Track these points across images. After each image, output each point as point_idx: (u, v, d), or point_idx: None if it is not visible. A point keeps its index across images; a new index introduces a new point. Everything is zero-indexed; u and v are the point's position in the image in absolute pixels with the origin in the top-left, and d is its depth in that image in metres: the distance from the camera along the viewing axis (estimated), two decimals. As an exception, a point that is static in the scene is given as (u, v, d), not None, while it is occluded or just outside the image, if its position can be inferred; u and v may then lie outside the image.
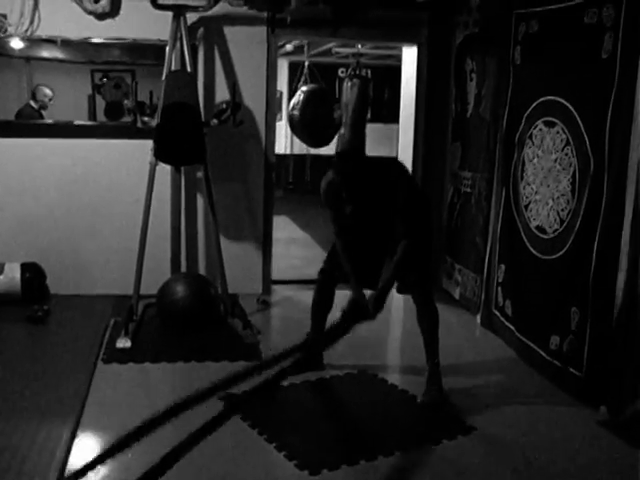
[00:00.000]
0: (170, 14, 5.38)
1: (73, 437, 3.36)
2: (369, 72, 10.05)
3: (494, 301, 5.12)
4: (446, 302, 5.92)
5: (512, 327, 4.78)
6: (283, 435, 3.48)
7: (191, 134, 5.19)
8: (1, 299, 5.31)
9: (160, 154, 5.20)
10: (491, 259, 5.18)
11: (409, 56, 6.39)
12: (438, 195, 6.28)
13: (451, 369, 4.30)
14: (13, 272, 5.39)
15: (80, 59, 10.62)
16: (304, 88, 8.12)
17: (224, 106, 5.31)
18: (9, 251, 5.61)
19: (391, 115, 11.83)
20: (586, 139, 3.95)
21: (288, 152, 13.44)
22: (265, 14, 5.78)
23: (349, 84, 9.67)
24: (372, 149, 10.03)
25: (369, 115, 9.82)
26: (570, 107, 4.13)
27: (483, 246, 5.33)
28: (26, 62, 11.27)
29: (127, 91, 9.76)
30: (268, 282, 6.27)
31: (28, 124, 6.30)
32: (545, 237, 4.38)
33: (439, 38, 6.12)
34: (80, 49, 10.31)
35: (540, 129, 4.49)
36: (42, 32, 5.62)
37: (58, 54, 10.52)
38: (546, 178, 4.41)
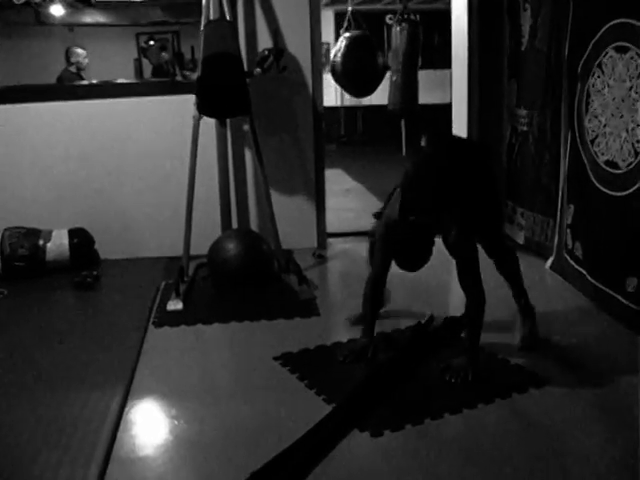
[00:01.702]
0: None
1: (123, 406, 3.21)
2: (417, 17, 9.64)
3: (564, 244, 4.81)
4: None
5: (583, 271, 4.48)
6: (341, 395, 3.27)
7: (234, 85, 4.95)
8: (50, 266, 5.22)
9: (203, 107, 4.99)
10: (563, 199, 4.86)
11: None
12: (497, 137, 5.95)
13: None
14: (61, 238, 5.28)
15: (123, 22, 10.49)
16: (346, 34, 7.81)
17: (266, 53, 5.07)
18: (56, 217, 5.51)
19: (442, 61, 11.44)
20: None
21: (339, 104, 13.15)
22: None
23: (398, 29, 9.31)
24: (425, 96, 9.72)
25: (420, 61, 9.46)
26: (646, 28, 3.76)
27: (554, 187, 5.00)
28: (69, 30, 11.19)
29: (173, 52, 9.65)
30: (323, 236, 6.05)
31: (66, 86, 6.17)
32: (617, 172, 4.05)
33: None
34: (122, 11, 10.20)
35: (611, 56, 4.11)
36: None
37: (100, 18, 10.41)
38: (618, 109, 4.04)
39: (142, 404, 3.29)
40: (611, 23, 4.09)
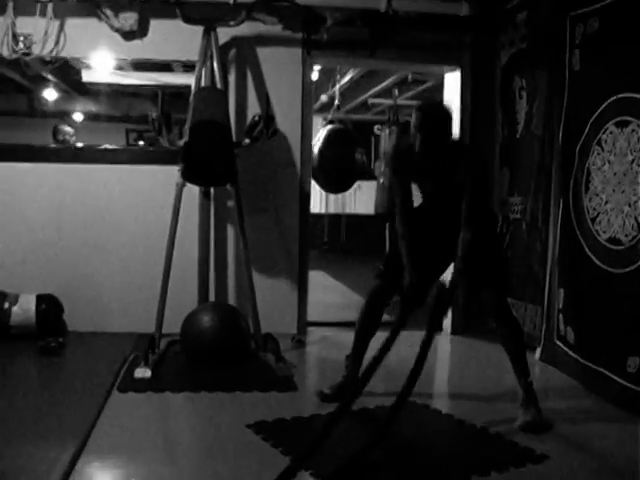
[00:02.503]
0: (200, 34, 5.11)
1: (74, 462, 2.87)
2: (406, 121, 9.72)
3: (556, 331, 4.59)
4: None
5: (576, 356, 4.25)
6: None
7: (221, 152, 4.83)
8: (14, 331, 4.91)
9: (188, 174, 4.84)
10: (551, 285, 4.68)
11: (451, 82, 6.00)
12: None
13: (513, 408, 3.71)
14: (28, 303, 4.99)
15: (114, 113, 10.46)
16: (327, 127, 7.78)
17: (256, 119, 4.95)
18: (27, 283, 5.21)
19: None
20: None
21: (323, 211, 13.12)
22: (300, 35, 5.50)
23: (387, 132, 9.35)
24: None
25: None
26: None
27: (543, 273, 4.84)
28: (61, 119, 11.12)
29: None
30: (303, 322, 5.77)
31: (46, 148, 5.89)
32: (620, 248, 3.88)
33: (483, 60, 5.74)
34: (113, 101, 10.19)
35: (611, 132, 4.03)
36: (67, 53, 5.29)
37: (92, 107, 10.39)
38: (620, 183, 3.92)
39: (94, 461, 2.95)
40: (610, 100, 4.03)
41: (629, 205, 3.82)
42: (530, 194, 5.09)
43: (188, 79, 5.30)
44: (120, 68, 7.77)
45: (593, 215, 4.19)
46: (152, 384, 4.06)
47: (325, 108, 11.54)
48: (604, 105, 4.10)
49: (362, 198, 12.67)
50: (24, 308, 4.97)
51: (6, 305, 4.92)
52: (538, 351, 4.84)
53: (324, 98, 10.47)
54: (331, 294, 8.06)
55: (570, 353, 4.36)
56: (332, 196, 13.38)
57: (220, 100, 4.98)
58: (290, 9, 5.24)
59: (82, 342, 5.01)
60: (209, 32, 5.08)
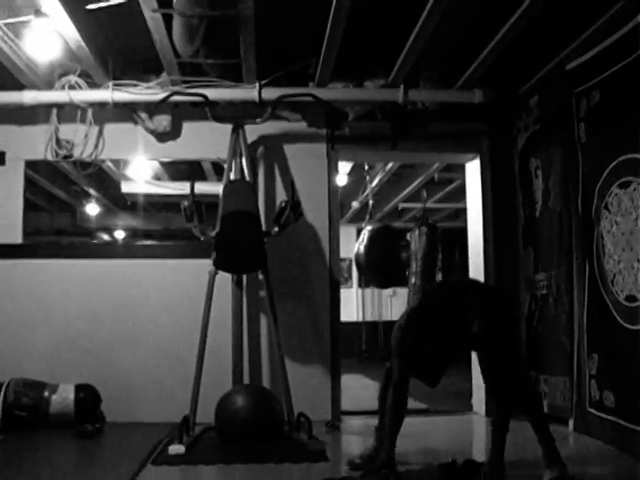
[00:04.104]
0: (229, 133, 5.43)
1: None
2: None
3: (588, 398, 4.58)
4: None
5: (615, 419, 4.23)
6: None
7: (251, 240, 5.04)
8: (53, 420, 5.01)
9: (220, 262, 5.04)
10: (580, 353, 4.71)
11: (471, 170, 6.22)
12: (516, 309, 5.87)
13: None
14: (67, 392, 5.12)
15: (153, 226, 10.86)
16: (369, 227, 7.99)
17: (283, 204, 5.17)
18: (66, 374, 5.36)
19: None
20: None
21: (360, 319, 13.24)
22: (324, 131, 5.80)
23: (417, 232, 9.51)
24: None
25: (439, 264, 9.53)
26: (647, 157, 3.86)
27: (569, 343, 4.87)
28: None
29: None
30: (338, 410, 5.80)
31: (83, 244, 6.23)
32: (636, 305, 3.95)
33: (501, 146, 5.97)
34: (153, 216, 10.60)
35: (615, 194, 4.19)
36: (105, 156, 5.66)
37: (132, 222, 10.82)
38: (628, 242, 4.05)
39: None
40: (612, 164, 4.22)
41: (638, 261, 3.92)
42: (554, 268, 5.19)
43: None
44: (157, 178, 8.17)
45: (611, 277, 4.28)
46: (186, 458, 4.13)
47: (357, 217, 11.85)
48: (608, 170, 4.28)
49: (397, 304, 12.81)
50: (62, 396, 5.09)
51: (46, 393, 5.06)
52: (571, 422, 4.81)
53: (355, 205, 10.75)
54: (367, 390, 8.03)
55: (608, 418, 4.33)
56: (368, 304, 13.53)
57: (249, 191, 5.22)
58: (313, 105, 5.55)
59: (118, 429, 5.09)
60: (237, 130, 5.40)
